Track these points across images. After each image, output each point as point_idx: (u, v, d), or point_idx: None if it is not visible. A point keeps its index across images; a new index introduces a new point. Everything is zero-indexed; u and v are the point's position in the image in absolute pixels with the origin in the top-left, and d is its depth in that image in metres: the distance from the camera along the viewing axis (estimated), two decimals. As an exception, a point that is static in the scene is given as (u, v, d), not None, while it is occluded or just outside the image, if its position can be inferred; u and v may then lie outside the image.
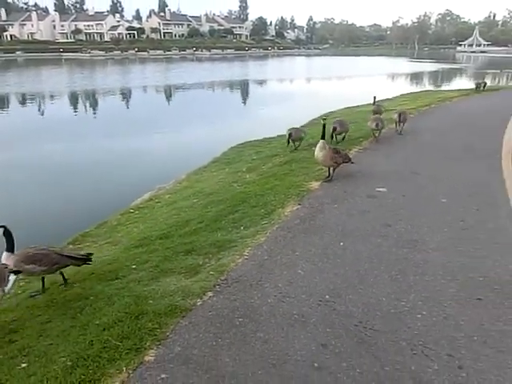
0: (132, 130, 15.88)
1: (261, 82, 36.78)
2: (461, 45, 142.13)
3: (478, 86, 21.06)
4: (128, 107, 23.70)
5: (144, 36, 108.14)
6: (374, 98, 12.01)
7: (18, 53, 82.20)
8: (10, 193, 8.88)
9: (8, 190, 9.02)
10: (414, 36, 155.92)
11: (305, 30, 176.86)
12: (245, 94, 29.98)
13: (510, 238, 4.34)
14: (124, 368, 2.59)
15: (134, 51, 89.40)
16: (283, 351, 2.75)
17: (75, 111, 22.02)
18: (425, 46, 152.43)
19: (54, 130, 16.28)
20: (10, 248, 3.50)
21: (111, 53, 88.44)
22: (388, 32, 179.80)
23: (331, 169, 6.44)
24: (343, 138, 9.16)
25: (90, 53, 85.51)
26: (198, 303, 3.29)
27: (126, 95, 28.19)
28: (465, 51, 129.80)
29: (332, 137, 8.56)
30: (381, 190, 6.01)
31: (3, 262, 3.44)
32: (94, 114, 21.40)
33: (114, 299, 3.40)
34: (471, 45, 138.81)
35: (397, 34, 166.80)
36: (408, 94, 22.65)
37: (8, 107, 23.58)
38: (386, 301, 3.30)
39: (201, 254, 4.18)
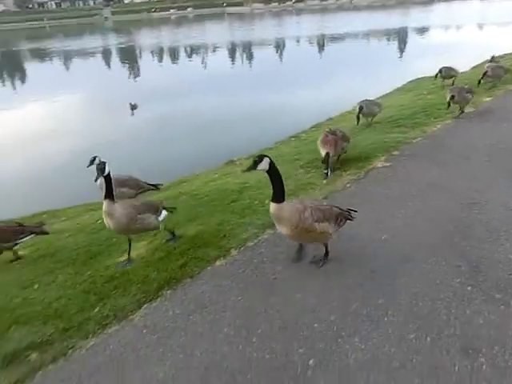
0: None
1: (426, 30, 34.18)
2: None
3: None
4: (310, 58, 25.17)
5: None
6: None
7: (189, 9, 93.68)
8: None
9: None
10: None
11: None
12: (403, 43, 29.17)
13: None
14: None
15: (291, 2, 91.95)
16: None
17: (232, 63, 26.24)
18: None
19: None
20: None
21: (269, 5, 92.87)
22: None
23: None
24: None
25: (250, 6, 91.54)
26: (414, 141, 6.57)
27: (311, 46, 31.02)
28: None
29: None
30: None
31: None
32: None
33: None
34: None
35: None
36: None
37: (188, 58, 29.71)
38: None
39: (408, 127, 7.41)
